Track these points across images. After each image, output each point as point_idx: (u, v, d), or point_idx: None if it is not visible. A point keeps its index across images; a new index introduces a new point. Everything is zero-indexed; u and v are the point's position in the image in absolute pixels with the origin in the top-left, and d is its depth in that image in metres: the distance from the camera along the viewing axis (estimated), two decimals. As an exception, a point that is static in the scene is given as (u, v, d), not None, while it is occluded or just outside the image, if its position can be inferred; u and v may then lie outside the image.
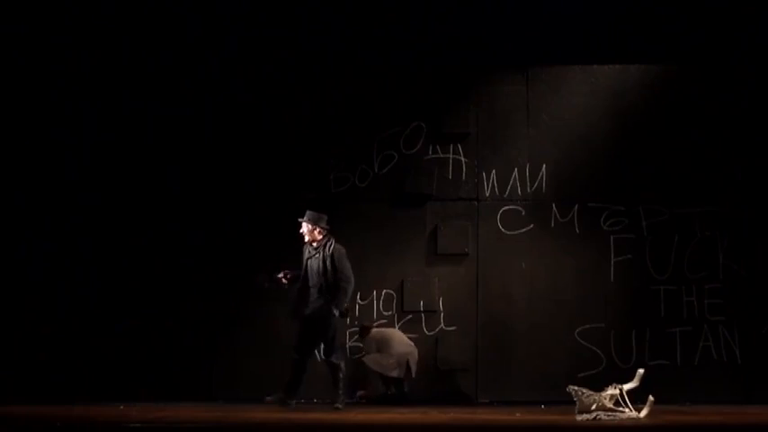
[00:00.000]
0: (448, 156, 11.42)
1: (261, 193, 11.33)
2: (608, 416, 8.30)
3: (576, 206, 11.28)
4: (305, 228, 9.75)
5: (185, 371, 11.00)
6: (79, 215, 11.27)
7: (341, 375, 9.64)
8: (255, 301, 11.00)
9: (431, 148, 11.43)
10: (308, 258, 9.75)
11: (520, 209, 11.30)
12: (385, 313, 11.23)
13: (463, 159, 11.42)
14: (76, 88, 11.38)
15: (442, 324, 11.18)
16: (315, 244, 9.71)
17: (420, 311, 11.21)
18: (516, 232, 11.27)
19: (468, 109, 11.44)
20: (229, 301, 11.12)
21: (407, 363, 10.72)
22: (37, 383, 10.84)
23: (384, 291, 11.26)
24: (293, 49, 11.38)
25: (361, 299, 11.19)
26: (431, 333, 11.19)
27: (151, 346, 11.06)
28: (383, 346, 10.76)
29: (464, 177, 11.40)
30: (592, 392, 8.41)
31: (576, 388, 8.44)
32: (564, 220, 11.28)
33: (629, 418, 8.31)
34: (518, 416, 9.15)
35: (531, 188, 11.36)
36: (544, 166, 11.36)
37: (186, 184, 11.30)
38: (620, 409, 8.38)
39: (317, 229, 9.72)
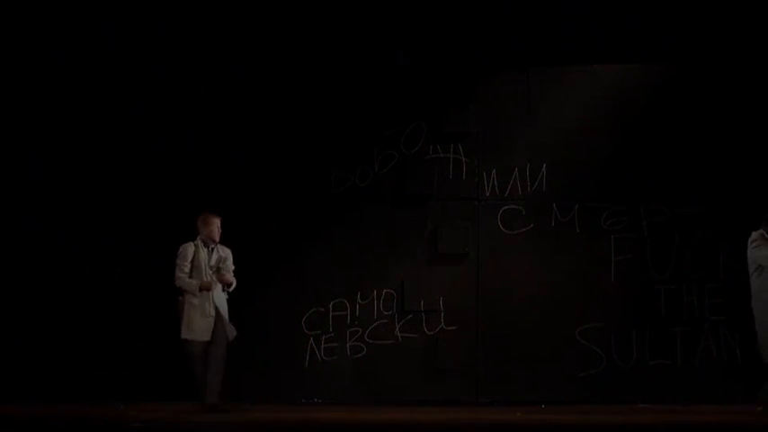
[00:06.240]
0: (448, 155, 11.42)
1: (261, 193, 11.32)
2: None
3: (576, 206, 11.26)
4: None
5: (185, 371, 10.98)
6: (79, 215, 11.28)
7: None
8: (255, 301, 11.00)
9: (431, 147, 11.41)
10: None
11: (520, 208, 11.29)
12: (385, 313, 11.23)
13: (463, 159, 11.41)
14: (73, 88, 11.39)
15: (443, 324, 11.17)
16: None
17: (420, 311, 11.19)
18: (516, 232, 11.26)
19: (468, 109, 11.44)
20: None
21: None
22: (37, 383, 10.85)
23: (384, 290, 11.25)
24: (293, 48, 11.38)
25: (361, 298, 11.20)
26: (431, 333, 11.17)
27: (151, 345, 11.05)
28: None
29: (464, 177, 11.39)
30: None
31: None
32: (564, 220, 11.26)
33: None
34: (518, 416, 9.16)
35: (531, 188, 11.34)
36: (544, 165, 11.35)
37: (186, 184, 11.29)
38: None
39: None
